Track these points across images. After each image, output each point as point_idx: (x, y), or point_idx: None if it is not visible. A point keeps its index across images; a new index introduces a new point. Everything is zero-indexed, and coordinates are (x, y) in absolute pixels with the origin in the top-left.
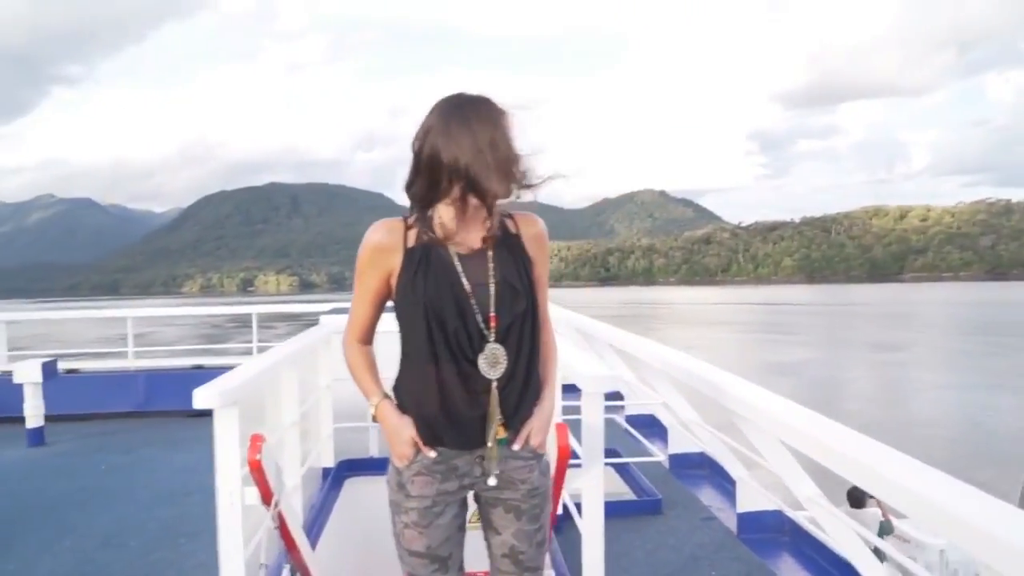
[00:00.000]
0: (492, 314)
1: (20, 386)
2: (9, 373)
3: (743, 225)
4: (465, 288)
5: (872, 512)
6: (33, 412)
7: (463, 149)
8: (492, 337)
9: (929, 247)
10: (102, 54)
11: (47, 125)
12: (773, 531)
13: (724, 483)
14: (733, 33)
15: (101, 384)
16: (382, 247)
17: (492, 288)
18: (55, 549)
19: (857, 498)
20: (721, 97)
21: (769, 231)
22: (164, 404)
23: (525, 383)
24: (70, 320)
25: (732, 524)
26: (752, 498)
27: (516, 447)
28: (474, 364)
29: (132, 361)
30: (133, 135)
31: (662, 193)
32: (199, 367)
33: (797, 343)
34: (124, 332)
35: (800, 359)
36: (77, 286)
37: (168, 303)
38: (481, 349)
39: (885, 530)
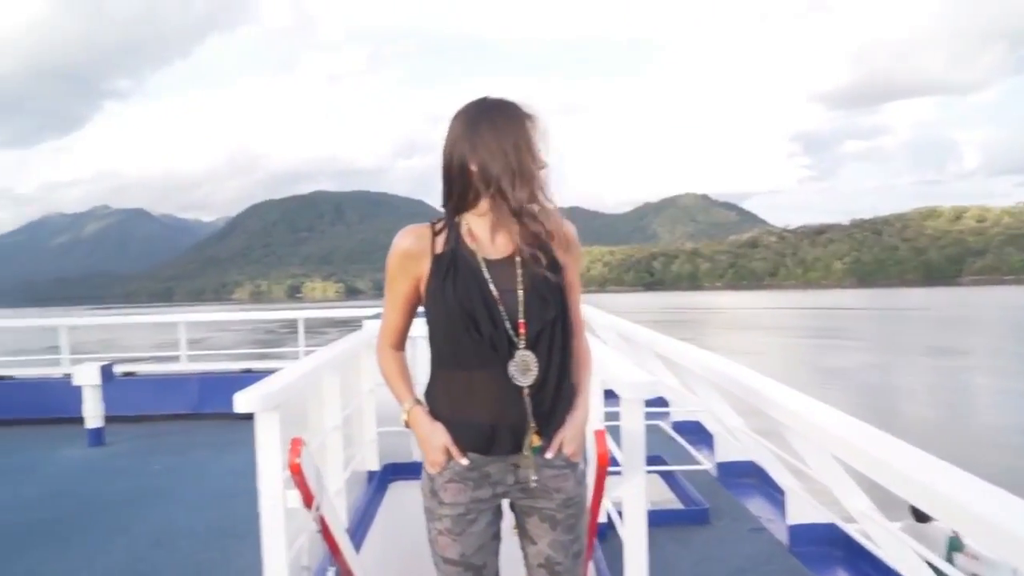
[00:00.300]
0: (521, 320)
1: (80, 388)
2: (70, 376)
3: (790, 228)
4: (493, 294)
5: (939, 526)
6: (92, 413)
7: (492, 153)
8: (522, 344)
9: (988, 249)
10: (151, 68)
11: (100, 138)
12: (826, 545)
13: (774, 493)
14: (773, 33)
15: (156, 386)
16: (410, 253)
17: (520, 294)
18: (110, 547)
19: (922, 512)
20: (761, 99)
21: (817, 234)
22: (215, 406)
23: (557, 390)
24: (128, 325)
25: (783, 536)
26: (803, 510)
27: (549, 455)
28: (504, 371)
29: (185, 365)
30: (181, 146)
31: (704, 197)
32: (248, 371)
33: (850, 348)
34: (180, 337)
35: (853, 364)
36: (134, 293)
37: (219, 309)
38: (511, 356)
39: (954, 546)
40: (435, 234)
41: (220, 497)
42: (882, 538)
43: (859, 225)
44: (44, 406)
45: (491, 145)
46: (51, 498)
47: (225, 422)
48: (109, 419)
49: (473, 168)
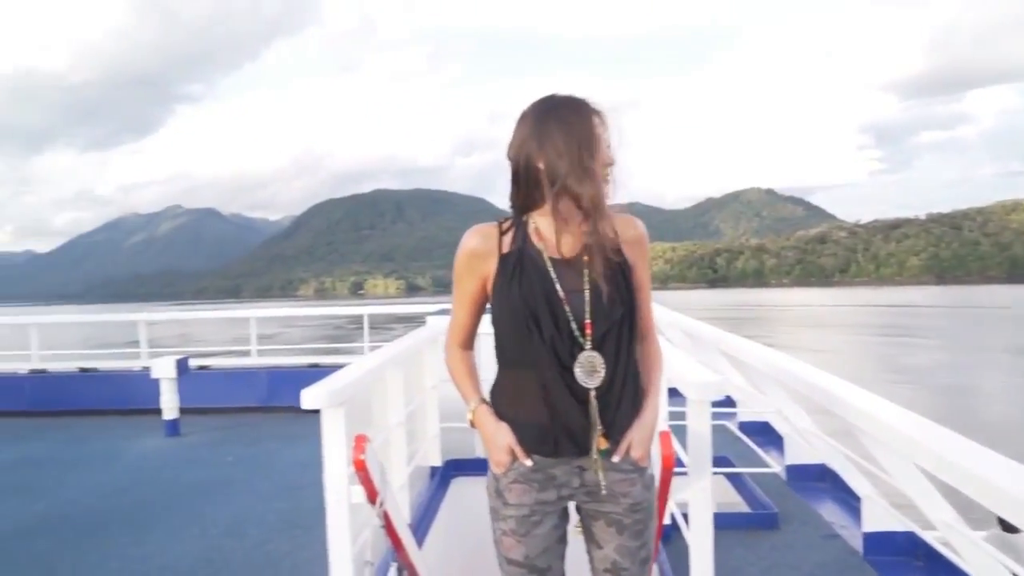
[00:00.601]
0: (587, 321)
1: (158, 381)
2: (148, 369)
3: (862, 223)
4: (559, 294)
5: None
6: (169, 405)
7: (560, 151)
8: (588, 345)
9: None
10: (221, 72)
11: (173, 141)
12: (905, 554)
13: (848, 499)
14: (842, 20)
15: (228, 380)
16: (477, 253)
17: (587, 295)
18: (184, 535)
19: (1010, 523)
20: (830, 89)
21: (891, 229)
22: (283, 400)
23: (624, 392)
24: (202, 320)
25: (857, 544)
26: (880, 517)
27: (615, 459)
28: (570, 372)
29: (255, 359)
30: (249, 147)
31: (769, 191)
32: (315, 365)
33: (927, 347)
34: (251, 332)
35: (929, 363)
36: (204, 290)
37: (287, 305)
38: (577, 357)
39: None
40: (502, 233)
41: (288, 488)
42: (966, 549)
43: (936, 219)
44: (124, 398)
45: (559, 143)
46: (130, 486)
47: (293, 415)
48: (184, 410)
49: (540, 166)
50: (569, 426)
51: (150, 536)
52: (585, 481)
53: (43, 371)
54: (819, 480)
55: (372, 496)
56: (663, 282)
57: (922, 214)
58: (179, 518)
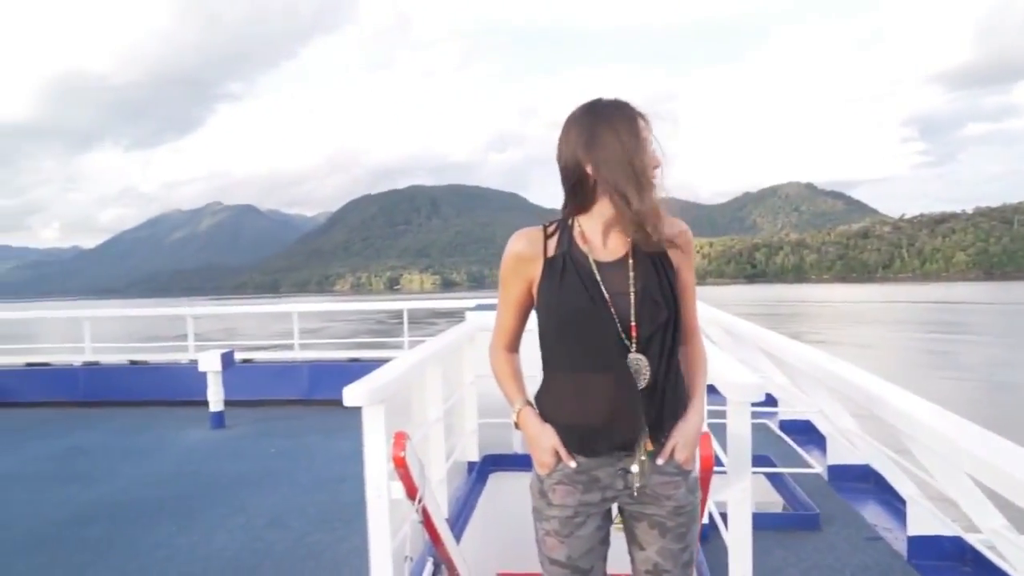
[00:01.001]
0: (632, 323)
1: (204, 373)
2: (196, 362)
3: (906, 218)
4: (604, 297)
5: None
6: (215, 397)
7: (610, 154)
8: (633, 347)
9: None
10: (259, 71)
11: (214, 139)
12: (951, 559)
13: (892, 501)
14: (887, 10)
15: (271, 373)
16: (522, 256)
17: (632, 297)
18: (229, 525)
19: None
20: (871, 81)
21: (937, 224)
22: (324, 393)
23: (666, 394)
24: (244, 315)
25: (901, 547)
26: (926, 520)
27: (660, 461)
28: (615, 375)
29: (298, 353)
30: (287, 144)
31: (809, 186)
32: (356, 360)
33: (975, 343)
34: (293, 327)
35: (979, 360)
36: (243, 285)
37: (325, 300)
38: (622, 359)
39: None
40: (547, 237)
41: (329, 481)
42: (1015, 555)
43: (984, 213)
44: (172, 389)
45: (609, 145)
46: (177, 476)
47: (333, 408)
48: (228, 403)
49: (588, 170)
50: (614, 428)
51: (195, 525)
52: (629, 483)
53: (96, 363)
54: (862, 481)
55: (411, 492)
56: (700, 278)
57: (969, 208)
58: (223, 509)
